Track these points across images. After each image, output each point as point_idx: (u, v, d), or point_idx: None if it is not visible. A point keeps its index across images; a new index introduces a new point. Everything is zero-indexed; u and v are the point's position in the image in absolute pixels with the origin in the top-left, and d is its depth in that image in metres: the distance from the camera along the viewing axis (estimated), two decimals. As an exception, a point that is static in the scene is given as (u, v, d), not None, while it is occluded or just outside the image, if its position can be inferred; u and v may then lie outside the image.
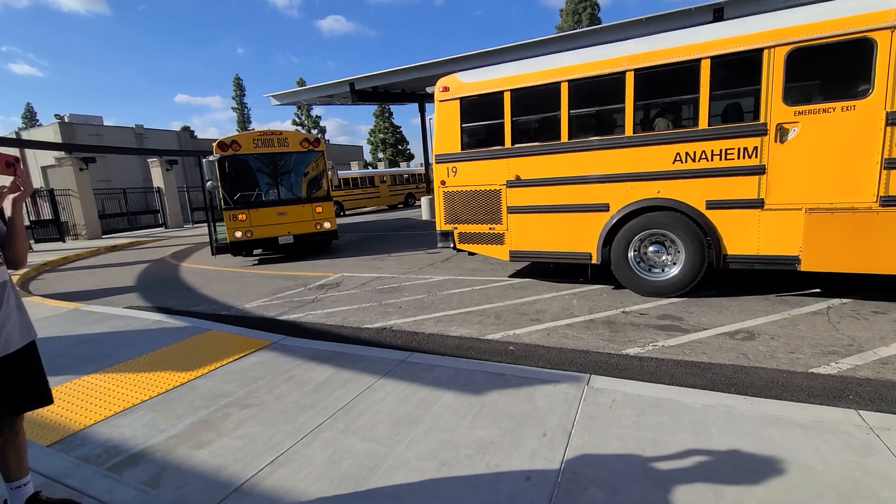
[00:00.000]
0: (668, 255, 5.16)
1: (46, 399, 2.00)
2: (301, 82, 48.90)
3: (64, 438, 2.90)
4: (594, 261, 5.42)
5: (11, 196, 1.83)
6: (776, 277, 5.70)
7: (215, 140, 9.67)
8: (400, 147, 60.86)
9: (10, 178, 1.84)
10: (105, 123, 32.50)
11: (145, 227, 23.64)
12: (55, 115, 31.00)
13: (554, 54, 5.64)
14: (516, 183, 5.69)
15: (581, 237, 5.43)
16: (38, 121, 55.29)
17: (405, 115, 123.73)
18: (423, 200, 18.02)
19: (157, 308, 6.35)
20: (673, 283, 5.09)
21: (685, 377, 3.32)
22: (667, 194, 4.90)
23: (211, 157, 9.21)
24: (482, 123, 5.93)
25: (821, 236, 4.27)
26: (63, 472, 2.44)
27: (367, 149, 58.91)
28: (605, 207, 5.23)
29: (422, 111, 18.69)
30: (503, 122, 5.63)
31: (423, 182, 28.61)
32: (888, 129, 3.99)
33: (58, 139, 27.15)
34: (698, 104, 4.61)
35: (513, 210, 5.78)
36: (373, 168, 45.86)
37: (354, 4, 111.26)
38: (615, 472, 2.25)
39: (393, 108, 57.44)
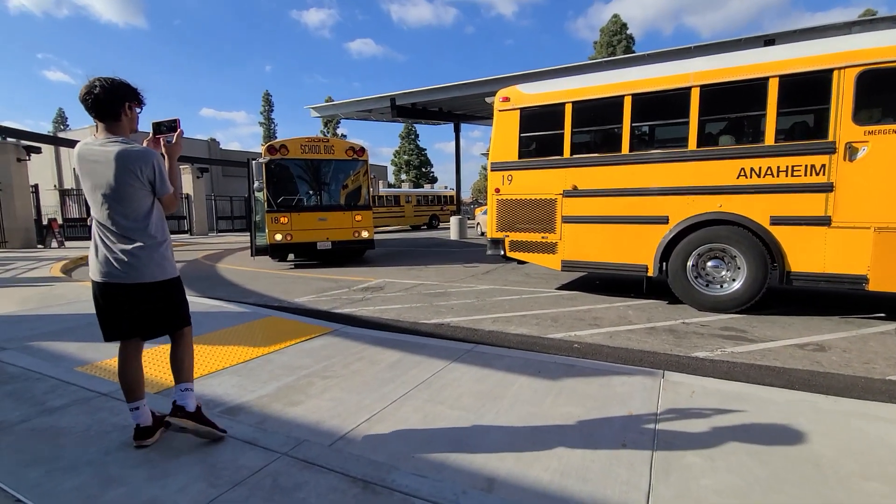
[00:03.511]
0: (727, 270, 5.32)
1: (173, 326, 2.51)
2: (329, 100, 51.34)
3: (161, 391, 3.19)
4: (650, 273, 5.59)
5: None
6: (838, 300, 5.77)
7: (265, 144, 10.32)
8: (424, 170, 62.44)
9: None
10: (139, 130, 34.52)
11: (171, 233, 24.63)
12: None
13: (612, 70, 6.03)
14: (573, 193, 5.98)
15: (638, 249, 5.63)
16: (68, 125, 58.86)
17: (431, 139, 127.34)
18: (453, 220, 18.51)
19: (211, 297, 6.72)
20: (733, 299, 5.22)
21: (761, 377, 3.45)
22: (730, 209, 5.11)
23: (261, 160, 9.83)
24: (541, 134, 6.29)
25: (890, 256, 4.40)
26: (179, 410, 2.72)
27: (390, 170, 60.57)
28: (664, 220, 5.45)
29: (457, 131, 19.40)
30: (563, 133, 5.98)
31: (449, 204, 29.27)
32: (962, 150, 4.17)
33: (95, 143, 28.89)
34: (765, 121, 4.88)
35: (568, 220, 6.04)
36: (396, 188, 47.08)
37: (385, 28, 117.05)
38: (709, 446, 2.41)
39: (421, 132, 59.30)
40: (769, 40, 10.36)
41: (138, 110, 2.39)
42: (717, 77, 5.03)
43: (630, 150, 5.57)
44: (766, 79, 4.81)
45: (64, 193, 22.52)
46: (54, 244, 16.89)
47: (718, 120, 5.43)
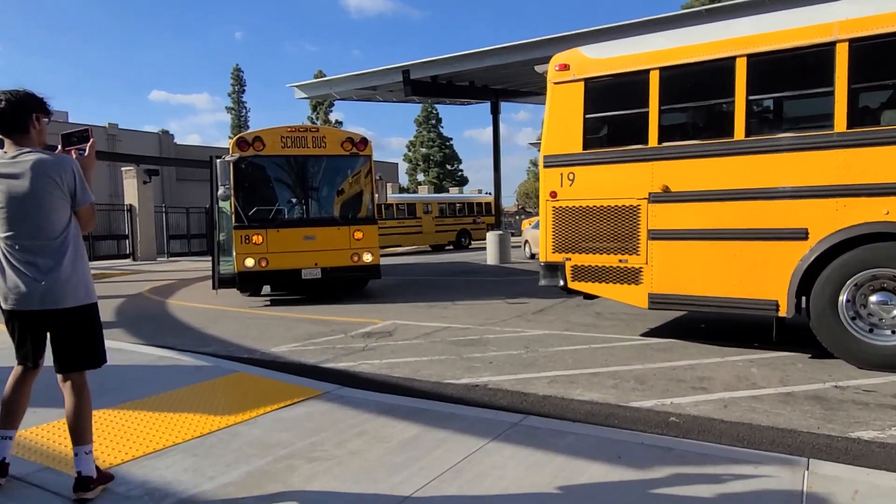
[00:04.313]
0: (901, 308, 5.07)
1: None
2: (320, 75, 53.05)
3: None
4: (782, 313, 5.39)
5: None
6: None
7: (233, 137, 10.71)
8: (449, 167, 63.41)
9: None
10: (71, 121, 36.57)
11: (106, 257, 25.69)
12: (12, 108, 35.28)
13: (717, 23, 5.99)
14: (664, 197, 5.88)
15: (762, 277, 5.45)
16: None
17: (458, 124, 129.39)
18: (490, 238, 18.52)
19: (159, 345, 6.89)
20: (912, 351, 4.95)
21: (962, 471, 3.21)
22: (903, 217, 4.90)
23: (228, 158, 10.15)
24: (615, 114, 6.29)
25: None
26: (109, 506, 2.75)
27: (402, 168, 61.84)
28: (801, 234, 5.28)
29: (495, 113, 19.59)
30: (647, 112, 5.94)
31: (485, 215, 29.39)
32: None
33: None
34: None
35: (657, 235, 5.94)
36: (410, 193, 47.76)
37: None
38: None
39: (445, 115, 60.37)
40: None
41: (46, 121, 2.87)
42: (874, 26, 4.90)
43: (746, 135, 5.46)
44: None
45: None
46: None
47: (879, 88, 5.28)
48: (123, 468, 3.35)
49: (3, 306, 2.81)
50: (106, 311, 10.38)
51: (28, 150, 2.73)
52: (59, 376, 2.88)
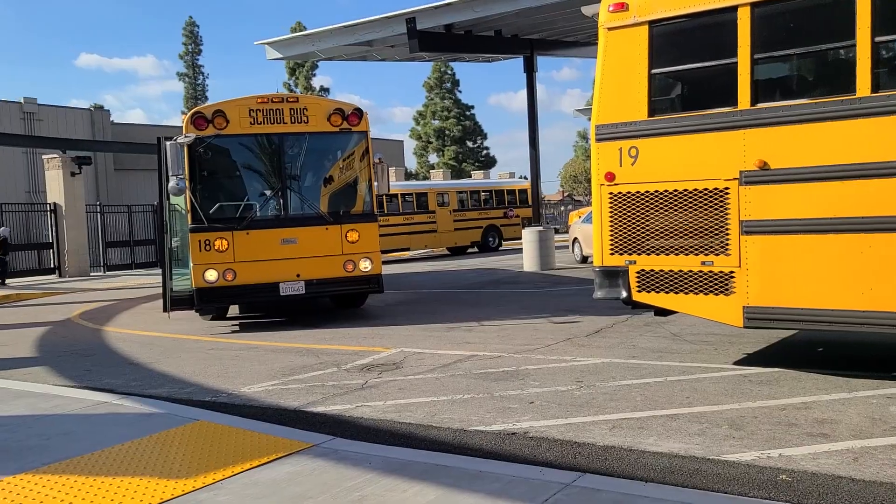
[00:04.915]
0: None
1: None
2: (298, 28, 53.41)
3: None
4: (929, 330, 5.29)
5: None
6: None
7: (188, 113, 10.81)
8: (470, 144, 63.56)
9: None
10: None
11: (24, 272, 26.00)
12: None
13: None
14: (762, 176, 5.82)
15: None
16: None
17: (482, 88, 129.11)
18: (527, 236, 18.54)
19: (94, 388, 6.96)
20: None
21: None
22: None
23: (181, 139, 10.22)
24: (692, 67, 6.27)
25: None
26: None
27: (409, 147, 62.14)
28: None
29: (529, 70, 19.59)
30: (735, 64, 5.88)
31: (520, 206, 29.38)
32: None
33: None
34: None
35: (754, 228, 5.88)
36: (420, 180, 47.85)
37: None
38: None
39: (463, 76, 60.39)
40: None
41: None
42: None
43: (874, 91, 5.37)
44: None
45: None
46: None
47: None
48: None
49: None
50: (24, 345, 10.60)
51: None
52: None
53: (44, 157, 28.05)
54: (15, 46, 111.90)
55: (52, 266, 26.70)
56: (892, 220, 5.35)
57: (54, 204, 26.64)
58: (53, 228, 26.70)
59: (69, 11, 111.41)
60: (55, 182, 26.66)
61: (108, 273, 27.26)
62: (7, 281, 22.84)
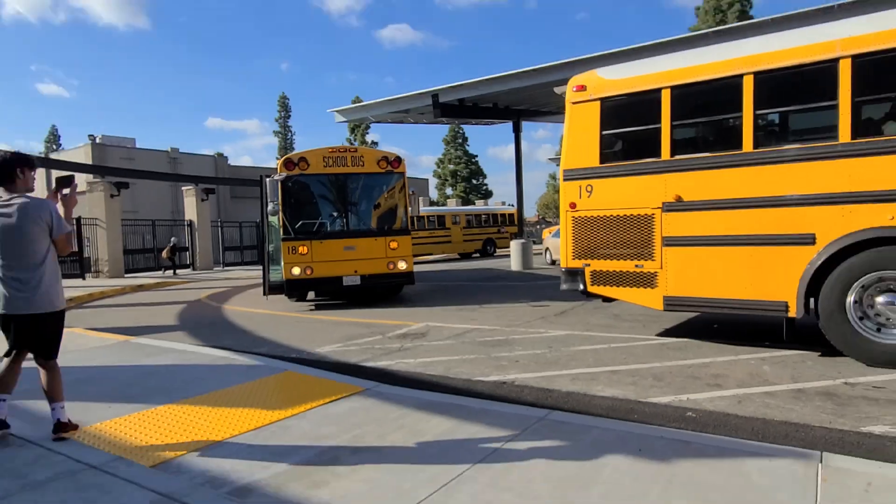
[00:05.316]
0: (908, 308, 4.88)
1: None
2: (357, 101, 53.76)
3: (159, 465, 3.33)
4: (792, 313, 5.24)
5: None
6: None
7: (280, 158, 10.91)
8: (475, 181, 63.33)
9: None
10: (138, 146, 37.79)
11: (175, 266, 26.16)
12: (88, 135, 36.68)
13: (724, 44, 5.89)
14: (677, 206, 5.80)
15: (772, 280, 5.32)
16: (60, 145, 65.26)
17: (483, 142, 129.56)
18: (514, 245, 18.49)
19: (217, 346, 7.05)
20: (920, 349, 4.76)
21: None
22: (907, 222, 4.73)
23: (276, 177, 10.36)
24: (630, 130, 6.24)
25: None
26: (178, 491, 2.84)
27: (432, 183, 61.96)
28: (809, 240, 5.13)
29: (517, 131, 19.54)
30: (659, 128, 5.87)
31: (509, 225, 29.33)
32: None
33: (89, 162, 31.85)
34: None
35: (671, 242, 5.85)
36: (440, 206, 47.84)
37: (423, 10, 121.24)
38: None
39: (470, 134, 60.50)
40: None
41: (32, 173, 3.61)
42: (873, 43, 4.77)
43: (755, 147, 5.35)
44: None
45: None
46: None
47: (879, 101, 5.12)
48: (187, 458, 3.43)
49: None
50: (169, 316, 10.75)
51: (16, 195, 3.48)
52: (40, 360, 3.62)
53: (183, 188, 28.37)
54: (164, 112, 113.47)
55: (188, 263, 26.90)
56: (763, 237, 5.36)
57: (190, 221, 26.90)
58: (189, 237, 26.93)
59: (202, 90, 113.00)
60: (191, 205, 26.95)
61: (225, 268, 27.40)
62: (153, 272, 23.13)
